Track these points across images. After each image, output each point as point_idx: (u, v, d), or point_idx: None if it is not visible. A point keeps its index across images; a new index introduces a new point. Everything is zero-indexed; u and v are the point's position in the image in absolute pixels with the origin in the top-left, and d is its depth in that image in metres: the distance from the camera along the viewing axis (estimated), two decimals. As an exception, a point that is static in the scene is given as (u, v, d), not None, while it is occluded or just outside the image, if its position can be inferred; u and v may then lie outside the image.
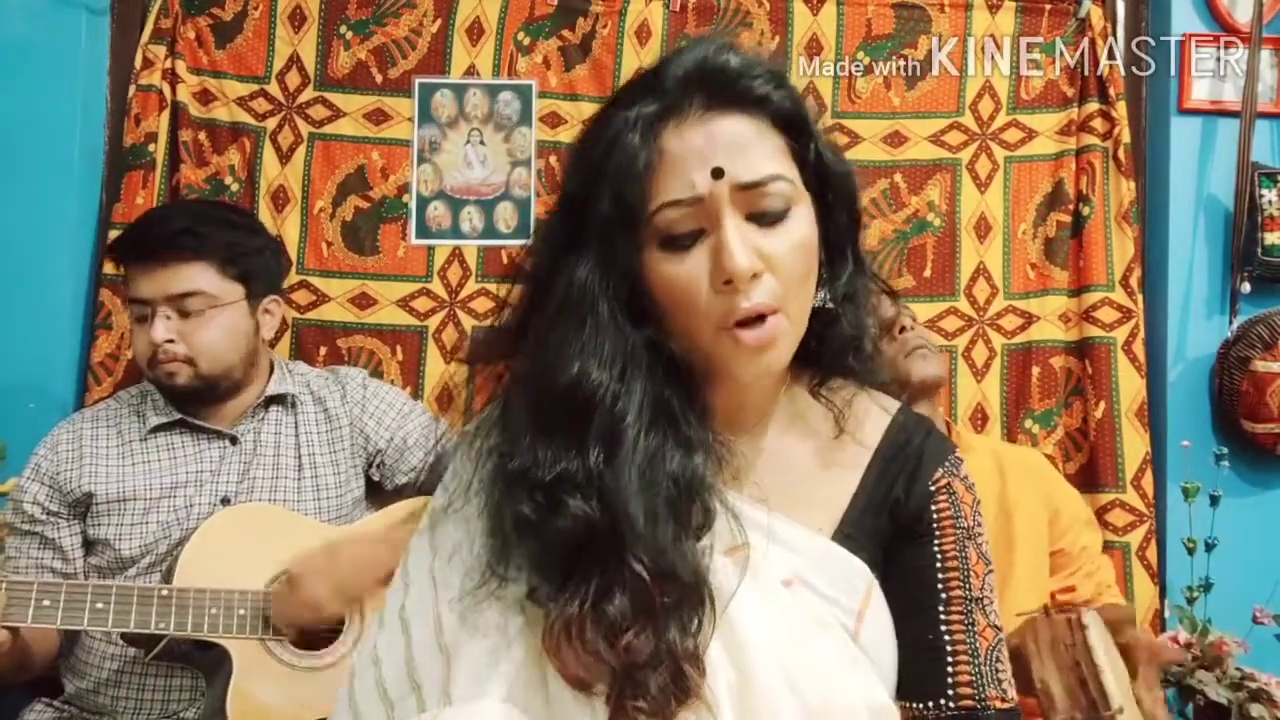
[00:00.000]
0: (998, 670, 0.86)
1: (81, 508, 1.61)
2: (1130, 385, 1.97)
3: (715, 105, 0.82)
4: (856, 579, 0.85)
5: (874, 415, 0.93)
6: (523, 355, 0.85)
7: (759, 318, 0.80)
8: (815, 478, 0.90)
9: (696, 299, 0.80)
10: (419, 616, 0.85)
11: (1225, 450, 1.85)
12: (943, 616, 0.86)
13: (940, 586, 0.87)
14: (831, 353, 0.90)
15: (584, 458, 0.79)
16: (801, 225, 0.83)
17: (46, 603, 1.41)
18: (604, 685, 0.76)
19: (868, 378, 0.92)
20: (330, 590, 1.50)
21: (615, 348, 0.81)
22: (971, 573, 0.88)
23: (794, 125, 0.84)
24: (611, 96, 0.87)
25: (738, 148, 0.80)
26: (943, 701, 0.85)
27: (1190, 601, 1.74)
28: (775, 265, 0.80)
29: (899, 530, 0.89)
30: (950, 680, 0.85)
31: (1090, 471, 1.98)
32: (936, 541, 0.88)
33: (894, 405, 0.94)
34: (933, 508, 0.89)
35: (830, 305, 0.88)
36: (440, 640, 0.82)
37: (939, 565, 0.88)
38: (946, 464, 0.90)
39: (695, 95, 0.82)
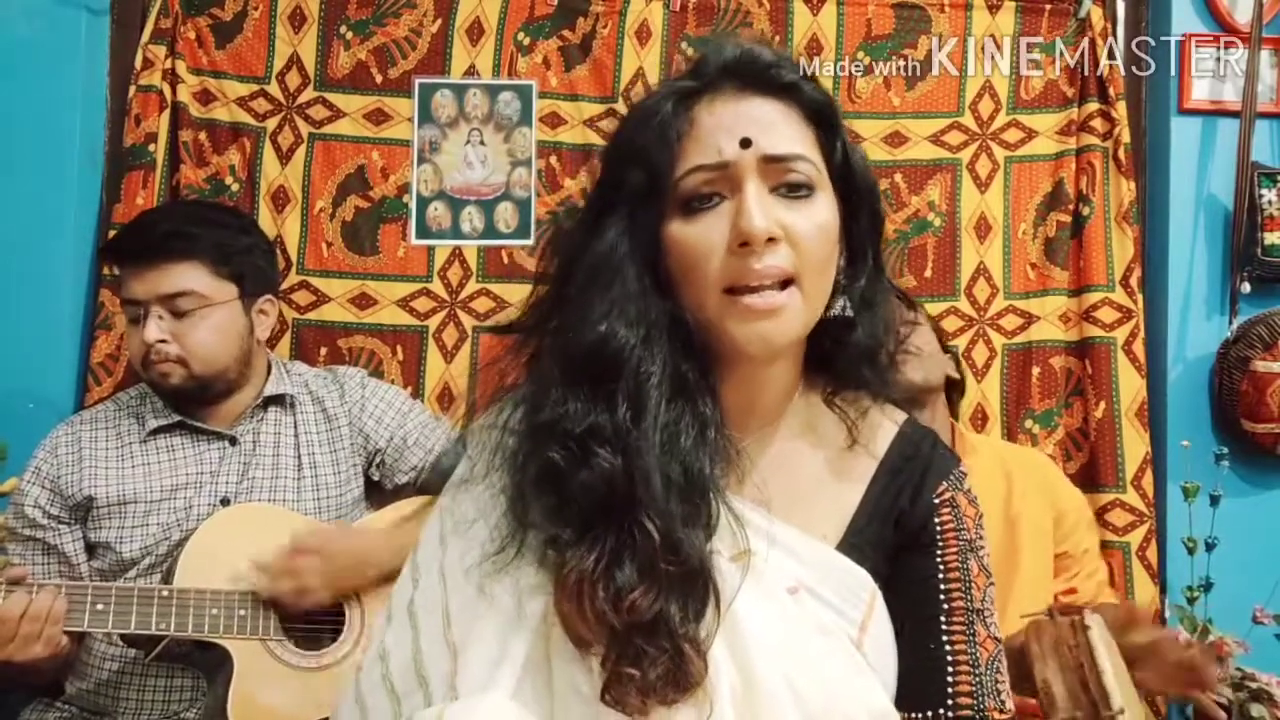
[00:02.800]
0: (997, 681, 0.87)
1: (82, 511, 1.61)
2: (1130, 385, 1.97)
3: (749, 88, 0.84)
4: (860, 589, 0.86)
5: (884, 427, 0.93)
6: (557, 320, 0.86)
7: (776, 287, 0.81)
8: (823, 487, 0.90)
9: (709, 262, 0.81)
10: (428, 611, 0.85)
11: (1225, 450, 1.85)
12: (944, 627, 0.87)
13: (942, 597, 0.88)
14: (847, 362, 0.90)
15: (612, 414, 0.80)
16: (824, 209, 0.84)
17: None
18: (602, 646, 0.77)
19: (882, 389, 0.92)
20: (321, 578, 1.51)
21: (641, 312, 0.82)
22: (973, 584, 0.88)
23: (822, 118, 0.86)
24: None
25: (768, 124, 0.83)
26: (942, 711, 0.85)
27: (1190, 601, 1.74)
28: (795, 238, 0.81)
29: (902, 541, 0.89)
30: (950, 690, 0.85)
31: (1090, 471, 1.98)
32: (939, 553, 0.89)
33: (901, 417, 0.95)
34: (936, 520, 0.89)
35: (848, 312, 0.88)
36: (448, 635, 0.83)
37: (941, 576, 0.88)
38: (951, 478, 0.91)
39: (731, 79, 0.85)
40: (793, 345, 0.87)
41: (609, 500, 0.79)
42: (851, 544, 0.88)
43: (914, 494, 0.90)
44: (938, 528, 0.89)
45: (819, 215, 0.83)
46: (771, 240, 0.80)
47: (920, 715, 0.85)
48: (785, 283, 0.81)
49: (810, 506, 0.89)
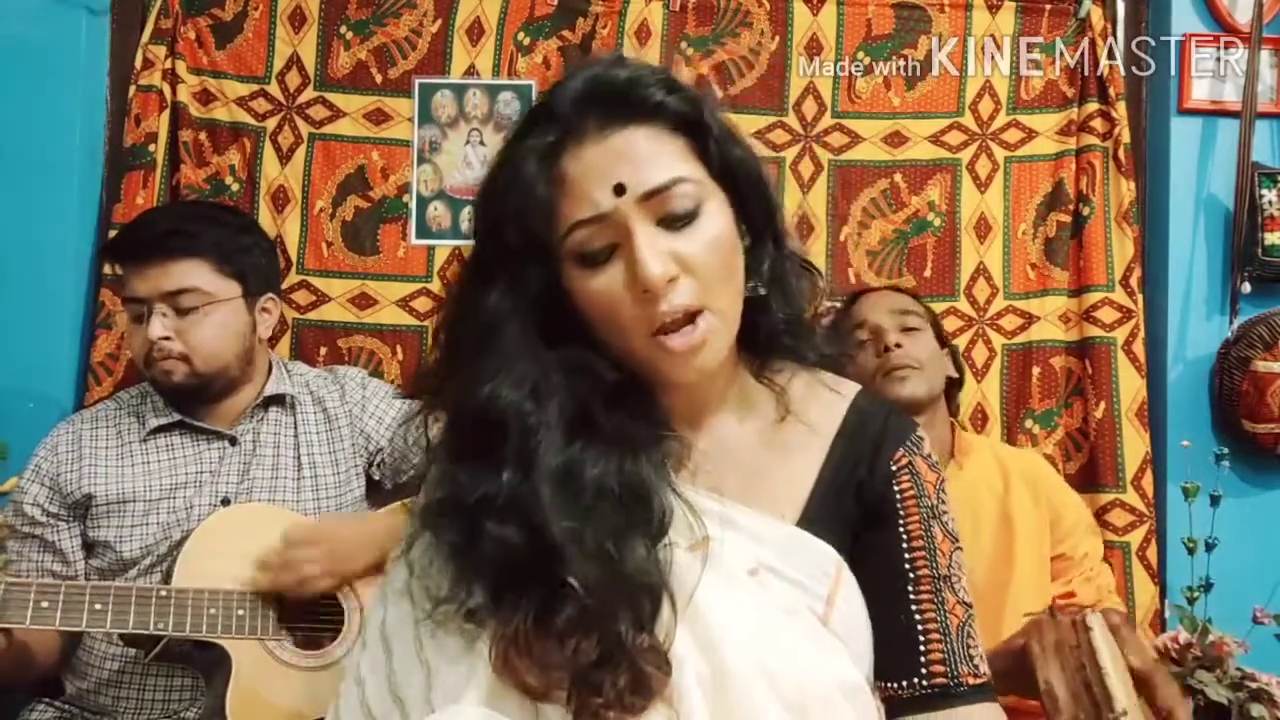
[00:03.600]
0: (969, 647, 0.86)
1: (81, 509, 1.61)
2: (1130, 385, 1.97)
3: (610, 121, 0.82)
4: (825, 563, 0.86)
5: (824, 398, 0.93)
6: (449, 385, 0.87)
7: (688, 321, 0.81)
8: (775, 464, 0.90)
9: (620, 311, 0.82)
10: (399, 633, 0.85)
11: (1225, 450, 1.84)
12: (912, 596, 0.87)
13: (908, 566, 0.88)
14: (768, 335, 0.91)
15: (500, 479, 0.80)
16: (714, 222, 0.84)
17: (45, 604, 1.40)
18: (562, 692, 0.76)
19: (808, 353, 0.93)
20: (321, 565, 1.51)
21: (527, 368, 0.82)
22: (938, 551, 0.88)
23: (692, 126, 0.85)
24: (510, 132, 0.87)
25: (637, 159, 0.82)
26: (916, 680, 0.85)
27: (1190, 601, 1.73)
28: (692, 266, 0.82)
29: (864, 513, 0.89)
30: (923, 659, 0.85)
31: (1090, 471, 1.98)
32: (901, 521, 0.89)
33: (852, 389, 0.95)
34: (895, 487, 0.89)
35: (760, 291, 0.89)
36: (421, 655, 0.83)
37: (905, 545, 0.88)
38: (908, 443, 0.91)
39: (589, 115, 0.83)
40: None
41: (516, 566, 0.79)
42: (811, 519, 0.88)
43: (871, 463, 0.90)
44: (898, 495, 0.89)
45: (710, 231, 0.83)
46: (671, 280, 0.81)
47: (895, 685, 0.86)
48: (694, 314, 0.82)
49: (766, 486, 0.89)
